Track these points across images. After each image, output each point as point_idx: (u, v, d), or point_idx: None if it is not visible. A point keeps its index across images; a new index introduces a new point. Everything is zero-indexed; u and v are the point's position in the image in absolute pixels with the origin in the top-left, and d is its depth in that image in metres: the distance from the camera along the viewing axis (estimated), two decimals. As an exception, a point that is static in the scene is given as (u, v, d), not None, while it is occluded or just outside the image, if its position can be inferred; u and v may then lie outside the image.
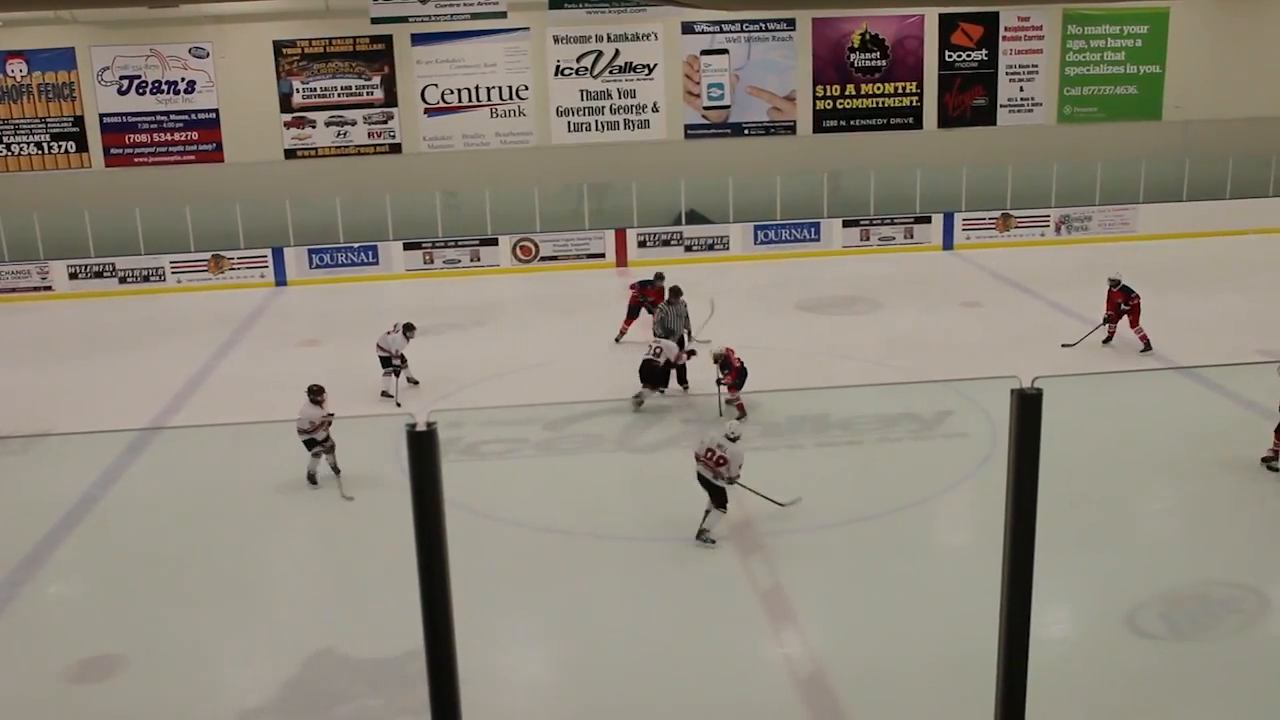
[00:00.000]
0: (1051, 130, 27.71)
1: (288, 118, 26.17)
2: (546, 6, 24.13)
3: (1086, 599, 9.93)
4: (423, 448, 3.93)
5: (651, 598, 10.13)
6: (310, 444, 12.49)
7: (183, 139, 26.05)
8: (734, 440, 10.71)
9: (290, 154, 26.28)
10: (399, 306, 20.03)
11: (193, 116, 25.99)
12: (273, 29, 25.74)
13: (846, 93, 27.29)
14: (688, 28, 26.62)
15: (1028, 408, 4.15)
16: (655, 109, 26.87)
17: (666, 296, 16.91)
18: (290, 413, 12.61)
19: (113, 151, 25.93)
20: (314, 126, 26.21)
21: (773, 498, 11.22)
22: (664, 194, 26.03)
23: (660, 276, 18.02)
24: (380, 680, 8.77)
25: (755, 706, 8.39)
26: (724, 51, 26.85)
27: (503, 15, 23.64)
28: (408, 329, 15.80)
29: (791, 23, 26.83)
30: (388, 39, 25.89)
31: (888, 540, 11.07)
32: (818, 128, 27.34)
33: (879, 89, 27.33)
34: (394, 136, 26.45)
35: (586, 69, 26.56)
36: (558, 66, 26.48)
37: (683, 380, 15.54)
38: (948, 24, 27.20)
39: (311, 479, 12.59)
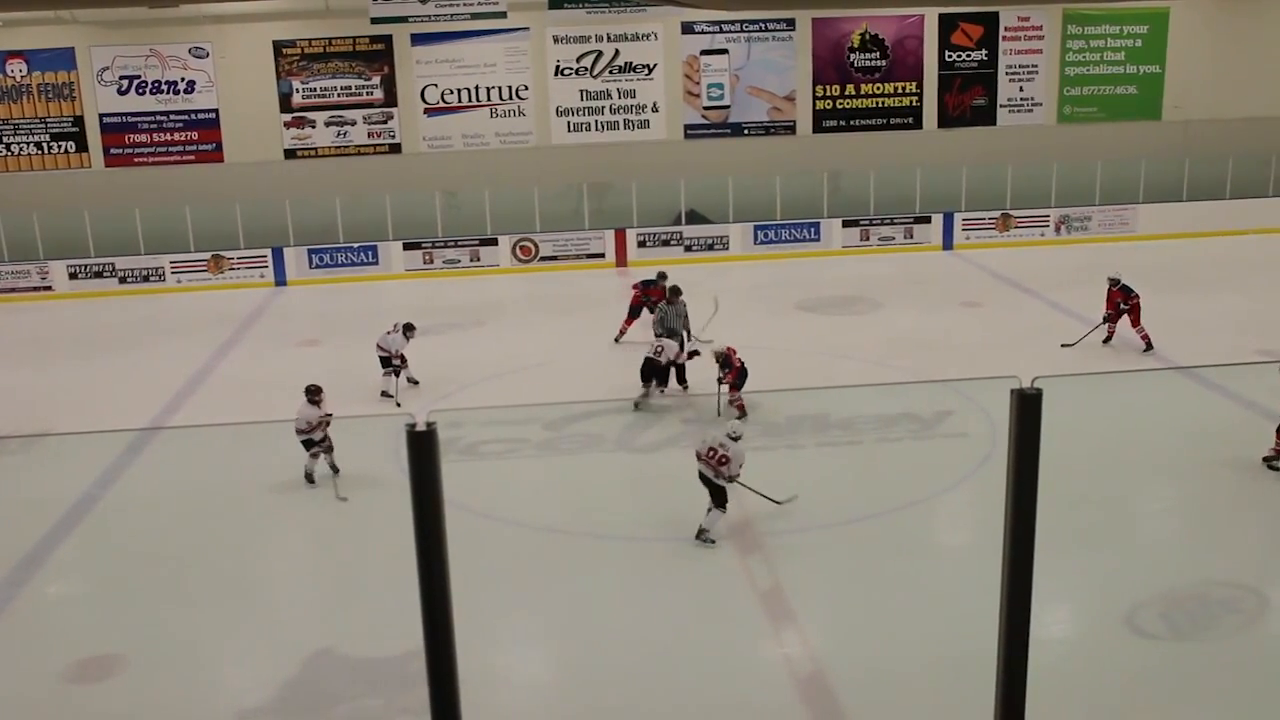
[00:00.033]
0: (1051, 130, 27.71)
1: (287, 118, 26.17)
2: (546, 6, 24.13)
3: (1086, 599, 9.93)
4: (422, 448, 3.93)
5: (651, 598, 10.13)
6: (308, 444, 12.49)
7: (182, 139, 26.05)
8: (736, 439, 10.74)
9: (290, 154, 26.28)
10: (399, 306, 20.02)
11: (192, 116, 25.99)
12: (272, 29, 25.74)
13: (846, 93, 27.29)
14: (688, 28, 26.62)
15: (1027, 408, 4.15)
16: (655, 109, 26.87)
17: (667, 296, 16.92)
18: (290, 413, 12.61)
19: (112, 151, 25.94)
20: (314, 126, 26.21)
21: (770, 496, 11.23)
22: (664, 194, 26.03)
23: (663, 276, 17.99)
24: (380, 680, 8.77)
25: (755, 706, 8.39)
26: (724, 51, 26.86)
27: (503, 15, 23.65)
28: (408, 329, 15.80)
29: (791, 23, 26.84)
30: (387, 39, 25.90)
31: (887, 540, 11.07)
32: (817, 128, 27.34)
33: (879, 89, 27.33)
34: (394, 136, 26.45)
35: (586, 69, 26.56)
36: (557, 66, 26.49)
37: (682, 380, 15.55)
38: (948, 24, 27.21)
39: (309, 478, 12.59)
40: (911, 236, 25.94)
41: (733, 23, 26.66)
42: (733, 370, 14.18)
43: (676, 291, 16.86)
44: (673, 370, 15.35)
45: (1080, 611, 9.82)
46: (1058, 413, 4.46)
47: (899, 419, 14.29)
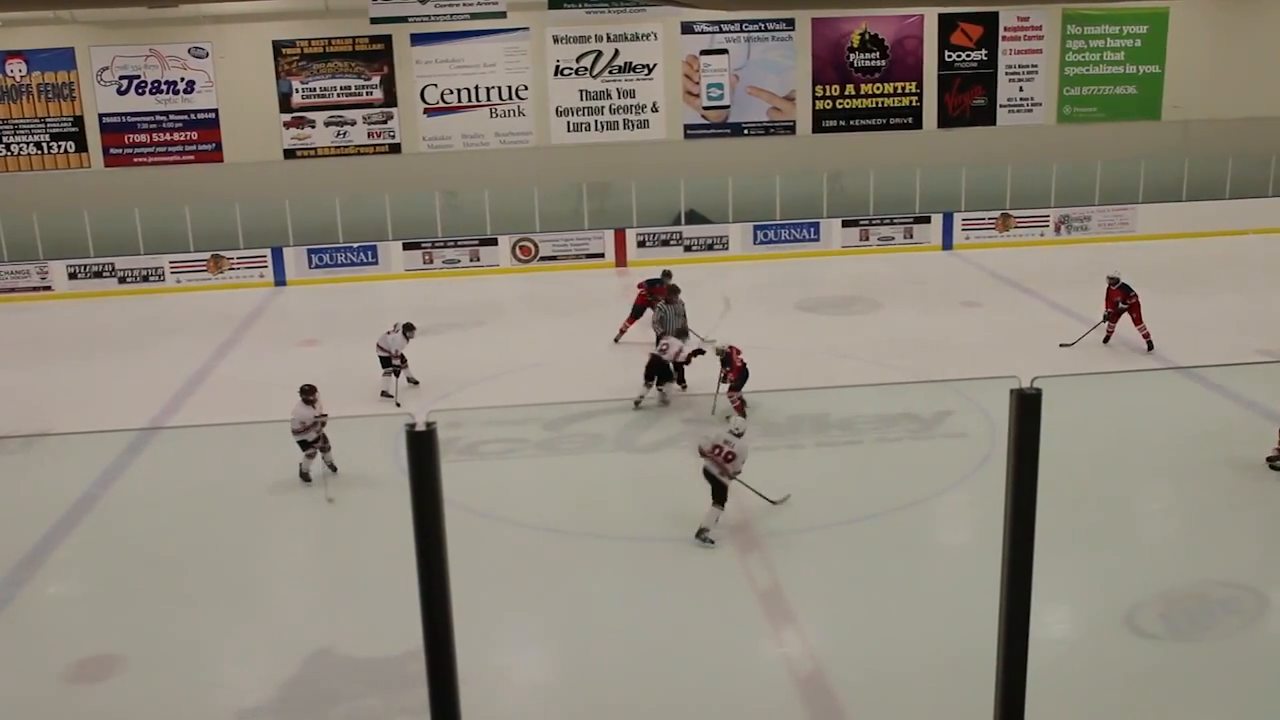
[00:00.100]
0: (1051, 130, 27.71)
1: (287, 118, 26.17)
2: (546, 6, 24.14)
3: (1086, 599, 9.93)
4: (422, 448, 3.93)
5: (651, 598, 10.12)
6: (304, 445, 12.49)
7: (182, 139, 26.05)
8: (739, 436, 10.86)
9: (290, 154, 26.28)
10: (398, 306, 20.04)
11: (192, 116, 25.99)
12: (272, 29, 25.74)
13: (846, 93, 27.29)
14: (687, 28, 26.62)
15: (1027, 408, 4.15)
16: (655, 109, 26.87)
17: (666, 295, 16.93)
18: (290, 413, 12.61)
19: (112, 151, 25.93)
20: (313, 126, 26.21)
21: (765, 494, 11.25)
22: (663, 194, 26.03)
23: (668, 275, 17.93)
24: (379, 680, 8.77)
25: (754, 706, 8.39)
26: (723, 51, 26.85)
27: (502, 15, 23.65)
28: (407, 329, 15.80)
29: (791, 23, 26.84)
30: (387, 39, 25.90)
31: (887, 540, 11.07)
32: (817, 128, 27.34)
33: (878, 89, 27.33)
34: (393, 136, 26.45)
35: (586, 69, 26.56)
36: (557, 66, 26.48)
37: (681, 380, 15.54)
38: (947, 24, 27.21)
39: (305, 477, 12.59)
40: (911, 236, 25.94)
41: (732, 23, 26.66)
42: (734, 369, 14.19)
43: (675, 291, 16.87)
44: (673, 369, 15.35)
45: (1080, 611, 9.81)
46: (1058, 413, 4.46)
47: (899, 419, 14.29)
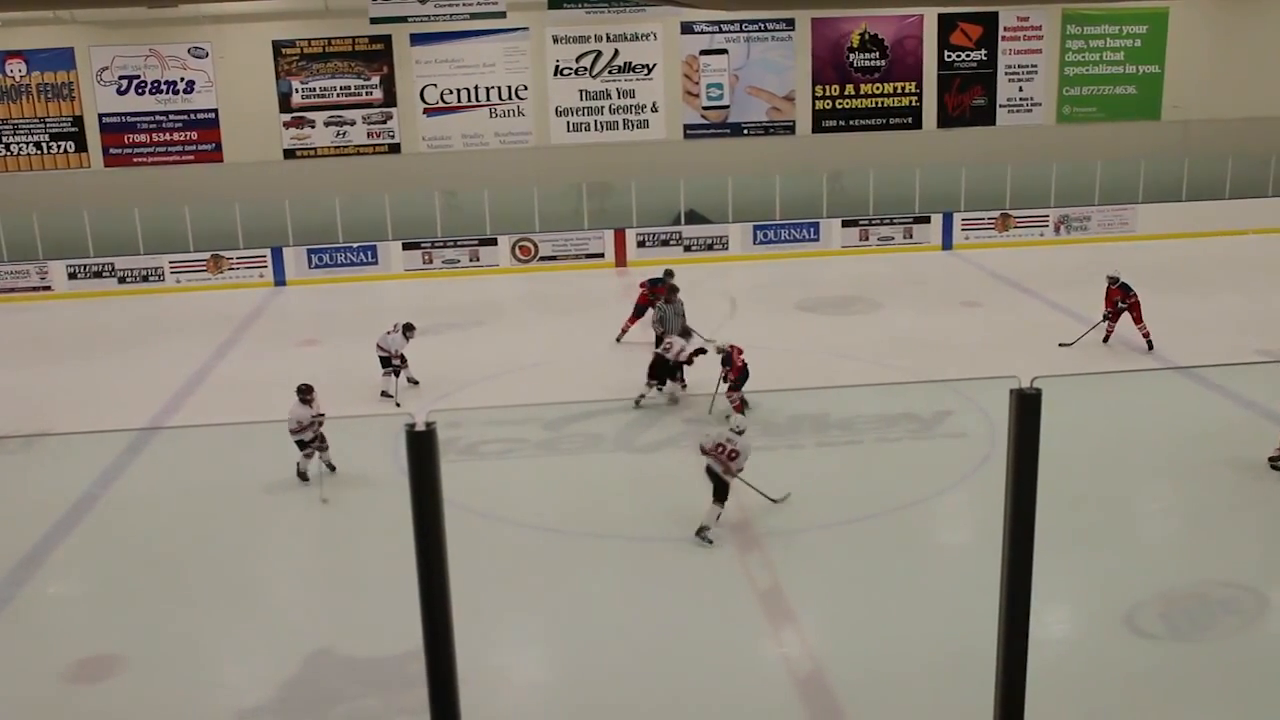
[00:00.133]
0: (1051, 130, 27.72)
1: (287, 118, 26.17)
2: (546, 6, 24.14)
3: (1085, 599, 9.93)
4: (422, 448, 3.93)
5: (651, 597, 10.13)
6: (302, 444, 12.49)
7: (182, 139, 26.05)
8: (741, 434, 10.90)
9: (289, 154, 26.28)
10: (398, 306, 20.04)
11: (192, 116, 25.99)
12: (272, 29, 25.74)
13: (846, 93, 27.30)
14: (687, 28, 26.62)
15: (1027, 408, 4.16)
16: (654, 109, 26.87)
17: (665, 295, 16.93)
18: (287, 413, 12.61)
19: (112, 151, 25.93)
20: (313, 126, 26.20)
21: (766, 493, 11.27)
22: (663, 194, 26.03)
23: (670, 274, 17.89)
24: (379, 680, 8.77)
25: (754, 706, 8.39)
26: (723, 51, 26.86)
27: (502, 15, 23.65)
28: (407, 329, 15.80)
29: (791, 23, 26.84)
30: (387, 39, 25.90)
31: (887, 540, 11.07)
32: (817, 128, 27.34)
33: (878, 89, 27.33)
34: (393, 136, 26.45)
35: (586, 69, 26.56)
36: (557, 66, 26.48)
37: (680, 379, 15.53)
38: (947, 24, 27.21)
39: (303, 476, 12.60)
40: (911, 236, 25.94)
41: (732, 23, 26.66)
42: (734, 369, 14.19)
43: (674, 290, 16.88)
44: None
45: (1080, 611, 9.82)
46: (1057, 413, 4.46)
47: (899, 419, 14.29)
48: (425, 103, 26.34)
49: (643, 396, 14.90)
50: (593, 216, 26.02)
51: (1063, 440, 5.80)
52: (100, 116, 25.76)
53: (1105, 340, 17.26)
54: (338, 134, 26.25)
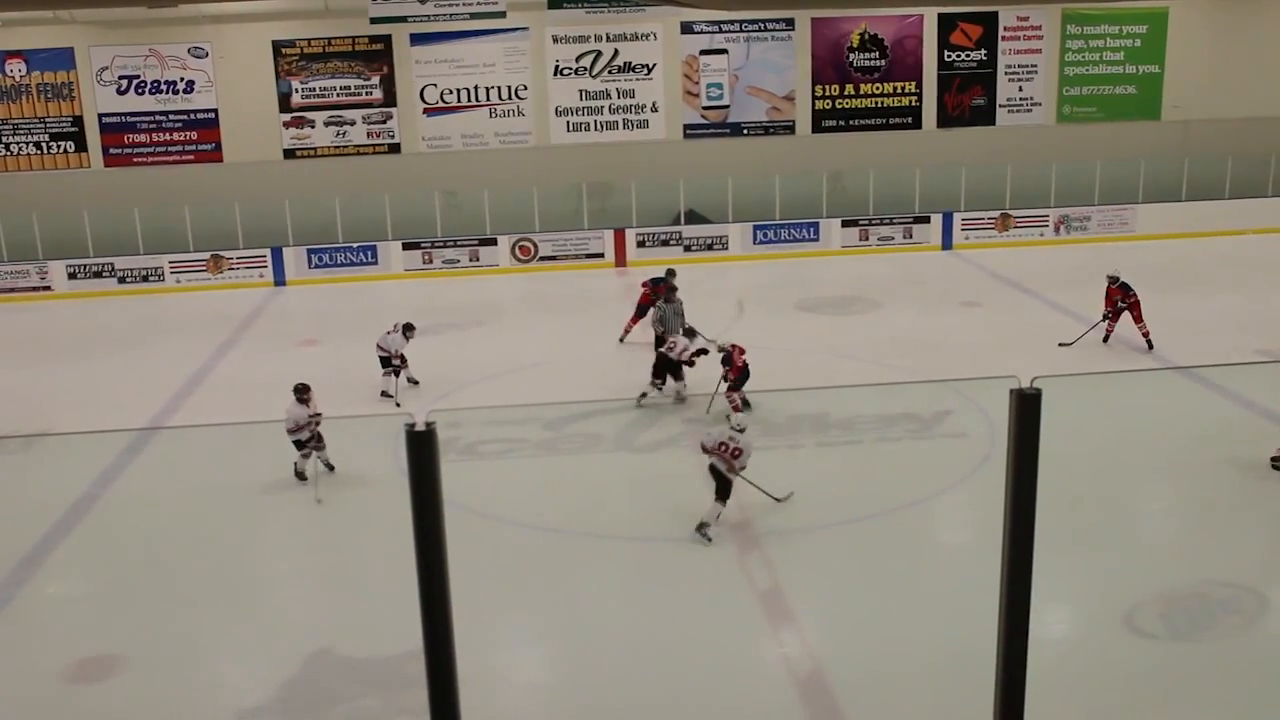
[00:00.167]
0: (1050, 130, 27.72)
1: (287, 117, 26.17)
2: (545, 6, 24.14)
3: (1085, 599, 9.93)
4: (422, 447, 3.93)
5: (650, 597, 10.13)
6: (299, 444, 12.49)
7: (182, 139, 26.05)
8: (742, 432, 10.93)
9: (289, 154, 26.28)
10: (398, 306, 20.03)
11: (192, 116, 25.99)
12: (272, 29, 25.74)
13: (846, 92, 27.30)
14: (687, 28, 26.62)
15: (1027, 408, 4.16)
16: (654, 109, 26.87)
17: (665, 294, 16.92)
18: (284, 412, 12.61)
19: (112, 151, 25.93)
20: (313, 126, 26.20)
21: (769, 491, 11.27)
22: (663, 194, 26.03)
23: (672, 274, 17.85)
24: (379, 680, 8.77)
25: (753, 706, 8.39)
26: (723, 51, 26.85)
27: (502, 15, 23.65)
28: (407, 329, 15.80)
29: (790, 23, 26.84)
30: (387, 39, 25.89)
31: (887, 540, 11.07)
32: (817, 127, 27.34)
33: (878, 89, 27.33)
34: (393, 136, 26.45)
35: (585, 69, 26.56)
36: (557, 66, 26.48)
37: (679, 378, 15.52)
38: (947, 24, 27.21)
39: (301, 476, 12.60)
40: (911, 236, 25.94)
41: (732, 23, 26.66)
42: (733, 369, 14.19)
43: (673, 289, 16.87)
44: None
45: (1079, 611, 9.82)
46: (1057, 413, 4.46)
47: (898, 419, 14.29)
48: (425, 103, 26.34)
49: (645, 395, 14.91)
50: (593, 216, 26.02)
51: (1063, 440, 5.80)
52: (100, 116, 25.76)
53: (1105, 340, 17.26)
54: (338, 134, 26.26)
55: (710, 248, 25.52)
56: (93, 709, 8.76)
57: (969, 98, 27.53)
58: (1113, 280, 17.09)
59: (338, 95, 26.12)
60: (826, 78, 27.17)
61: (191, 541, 11.57)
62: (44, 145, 25.79)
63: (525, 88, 26.46)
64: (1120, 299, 16.94)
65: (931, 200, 26.28)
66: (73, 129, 25.77)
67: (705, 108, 27.06)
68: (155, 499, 12.71)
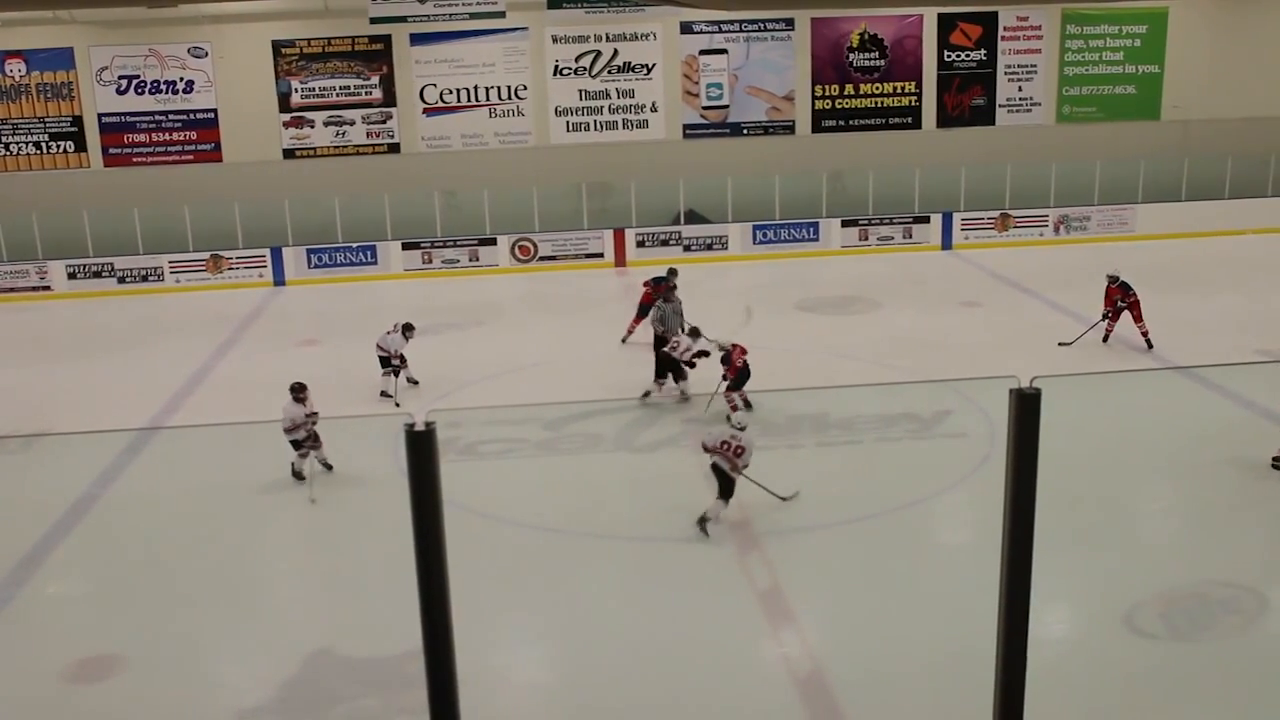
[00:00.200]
0: (1050, 130, 27.72)
1: (286, 117, 26.17)
2: (545, 6, 24.15)
3: (1085, 599, 9.93)
4: (421, 447, 3.93)
5: (651, 597, 10.12)
6: (296, 444, 12.49)
7: (181, 139, 26.04)
8: (743, 430, 10.98)
9: (289, 154, 26.28)
10: (398, 306, 20.02)
11: (191, 116, 25.98)
12: (271, 29, 25.73)
13: (845, 92, 27.30)
14: (686, 28, 26.62)
15: (1026, 407, 4.16)
16: (654, 109, 26.87)
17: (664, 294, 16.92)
18: (281, 411, 12.61)
19: (111, 151, 25.93)
20: (312, 126, 26.20)
21: (773, 490, 11.28)
22: (663, 194, 26.03)
23: (673, 273, 17.85)
24: (379, 680, 8.77)
25: (753, 706, 8.39)
26: (723, 51, 26.85)
27: (501, 15, 23.66)
28: (407, 329, 15.80)
29: (790, 23, 26.84)
30: (386, 39, 25.89)
31: (887, 540, 11.07)
32: (816, 127, 27.34)
33: (878, 89, 27.33)
34: (393, 136, 26.45)
35: (585, 69, 26.56)
36: (556, 66, 26.48)
37: (679, 378, 15.52)
38: (946, 24, 27.21)
39: (298, 475, 12.59)
40: (910, 236, 25.94)
41: (732, 22, 26.66)
42: (732, 369, 14.19)
43: (672, 289, 16.87)
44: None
45: (1079, 611, 9.81)
46: (1057, 413, 4.45)
47: (898, 419, 14.29)
48: (425, 103, 26.34)
49: (648, 394, 14.92)
50: (592, 216, 26.01)
51: (1063, 440, 5.80)
52: (100, 116, 25.76)
53: (1105, 340, 17.26)
54: (337, 134, 26.25)
55: (710, 248, 25.52)
56: (93, 709, 8.76)
57: (969, 98, 27.53)
58: (1112, 280, 17.09)
59: (337, 95, 26.12)
60: (826, 78, 27.17)
61: (191, 541, 11.57)
62: (44, 145, 25.79)
63: (525, 88, 26.46)
64: (1120, 298, 16.94)
65: (931, 200, 26.27)
66: (72, 129, 25.76)
67: (705, 108, 27.06)
68: (155, 499, 12.71)
